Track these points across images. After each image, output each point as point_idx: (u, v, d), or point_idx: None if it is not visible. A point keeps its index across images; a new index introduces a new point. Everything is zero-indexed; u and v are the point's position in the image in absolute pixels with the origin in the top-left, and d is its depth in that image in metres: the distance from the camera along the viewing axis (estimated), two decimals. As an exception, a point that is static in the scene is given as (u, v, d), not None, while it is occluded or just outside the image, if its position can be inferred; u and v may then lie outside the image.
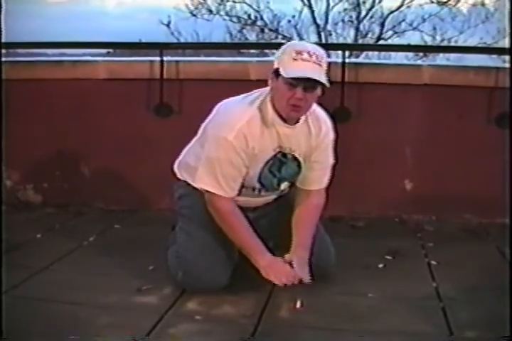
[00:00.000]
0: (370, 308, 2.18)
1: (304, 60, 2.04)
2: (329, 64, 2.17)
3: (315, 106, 2.25)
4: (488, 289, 2.31)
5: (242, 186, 2.27)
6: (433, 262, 2.65)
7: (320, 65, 2.06)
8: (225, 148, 2.14)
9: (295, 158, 2.26)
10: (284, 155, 2.24)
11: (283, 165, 2.26)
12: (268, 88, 2.18)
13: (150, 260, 2.55)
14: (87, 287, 2.32)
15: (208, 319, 2.08)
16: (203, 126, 2.31)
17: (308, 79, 2.03)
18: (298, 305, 2.16)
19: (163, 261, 2.40)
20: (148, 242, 2.76)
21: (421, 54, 9.48)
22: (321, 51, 2.10)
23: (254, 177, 2.25)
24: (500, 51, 4.41)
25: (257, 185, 2.28)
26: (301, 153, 2.26)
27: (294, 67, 2.04)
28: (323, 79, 2.06)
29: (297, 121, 2.21)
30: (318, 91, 2.12)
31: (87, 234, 2.97)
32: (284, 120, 2.17)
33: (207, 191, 2.22)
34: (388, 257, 2.69)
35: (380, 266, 2.61)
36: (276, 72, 2.09)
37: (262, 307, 2.17)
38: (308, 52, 2.05)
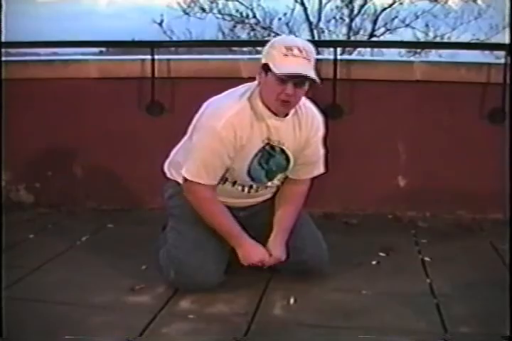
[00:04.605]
0: (364, 305, 2.18)
1: (294, 56, 2.04)
2: (318, 60, 2.17)
3: (305, 100, 2.25)
4: (482, 285, 2.31)
5: (234, 182, 2.27)
6: (427, 258, 2.65)
7: (309, 61, 2.06)
8: (212, 137, 2.13)
9: (283, 151, 2.25)
10: (273, 147, 2.23)
11: (271, 157, 2.25)
12: (255, 82, 2.18)
13: (143, 259, 2.54)
14: (80, 287, 2.32)
15: (202, 318, 2.08)
16: (191, 126, 2.31)
17: (299, 75, 2.03)
18: (291, 302, 2.16)
19: (155, 262, 2.39)
20: (141, 241, 2.75)
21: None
22: (310, 46, 2.11)
23: (243, 169, 2.23)
24: (498, 47, 4.38)
25: (248, 179, 2.27)
26: (290, 146, 2.25)
27: (286, 63, 2.03)
28: (314, 75, 2.06)
29: (287, 114, 2.20)
30: (307, 86, 2.12)
31: (79, 233, 2.96)
32: (274, 113, 2.16)
33: (185, 179, 2.21)
34: (382, 254, 2.69)
35: (374, 262, 2.61)
36: (265, 67, 2.08)
37: (255, 305, 2.16)
38: (299, 48, 2.05)
